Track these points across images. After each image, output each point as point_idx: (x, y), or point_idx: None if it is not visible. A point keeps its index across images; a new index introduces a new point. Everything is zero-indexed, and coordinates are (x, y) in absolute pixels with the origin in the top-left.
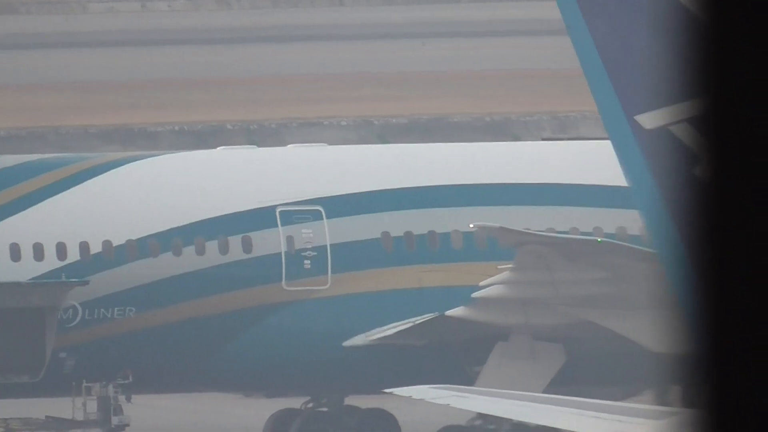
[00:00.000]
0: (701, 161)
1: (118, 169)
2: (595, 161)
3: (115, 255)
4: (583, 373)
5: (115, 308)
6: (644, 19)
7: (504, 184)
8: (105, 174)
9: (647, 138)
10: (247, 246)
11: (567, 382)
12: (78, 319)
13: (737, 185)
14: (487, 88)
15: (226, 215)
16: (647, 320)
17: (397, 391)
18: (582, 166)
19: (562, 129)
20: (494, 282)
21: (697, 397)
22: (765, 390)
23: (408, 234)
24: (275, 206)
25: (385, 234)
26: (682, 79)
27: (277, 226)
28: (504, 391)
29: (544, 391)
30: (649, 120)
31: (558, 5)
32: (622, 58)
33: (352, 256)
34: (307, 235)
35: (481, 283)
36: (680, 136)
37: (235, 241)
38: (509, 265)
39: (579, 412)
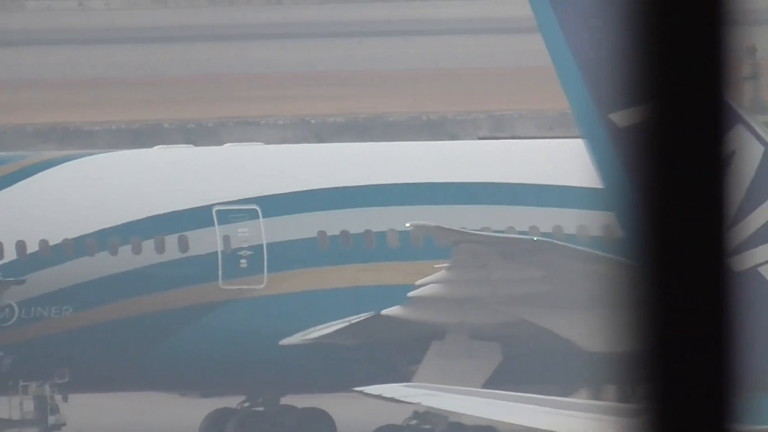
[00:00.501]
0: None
1: (55, 168)
2: (531, 160)
3: (51, 254)
4: (520, 371)
5: (52, 307)
6: (616, 15)
7: (441, 183)
8: (42, 173)
9: (621, 136)
10: (183, 245)
11: (503, 381)
12: (14, 318)
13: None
14: (423, 87)
15: (162, 214)
16: (583, 319)
17: (367, 389)
18: (518, 165)
19: (498, 128)
20: (430, 281)
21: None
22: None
23: (344, 233)
24: (212, 205)
25: (322, 233)
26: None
27: (213, 225)
28: (474, 389)
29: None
30: (623, 118)
31: (530, 2)
32: (594, 55)
33: (289, 255)
34: (243, 234)
35: (417, 282)
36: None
37: (171, 240)
38: (445, 264)
39: (549, 410)
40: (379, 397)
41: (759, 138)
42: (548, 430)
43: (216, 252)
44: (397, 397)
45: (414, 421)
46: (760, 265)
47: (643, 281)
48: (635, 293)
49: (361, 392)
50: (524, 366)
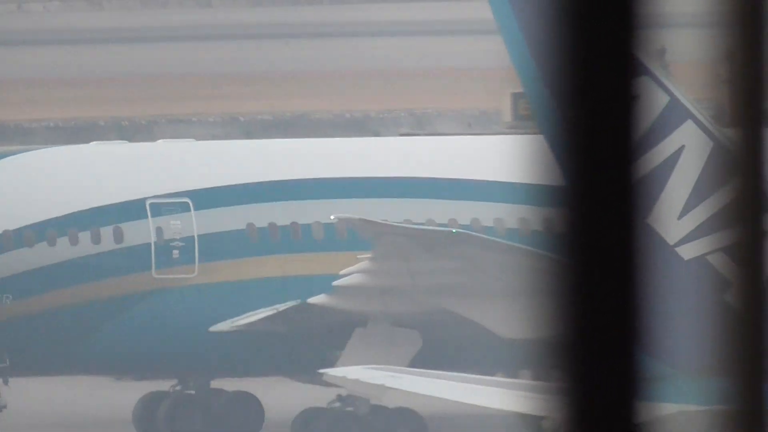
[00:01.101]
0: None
1: None
2: (450, 156)
3: None
4: (439, 357)
5: None
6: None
7: (364, 177)
8: None
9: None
10: (118, 236)
11: (423, 366)
12: None
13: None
14: (347, 87)
15: (98, 207)
16: (500, 307)
17: (330, 371)
18: (438, 160)
19: (419, 125)
20: (354, 271)
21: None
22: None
23: (272, 225)
24: (145, 198)
25: (250, 225)
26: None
27: (147, 217)
28: (430, 371)
29: None
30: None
31: (490, 3)
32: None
33: (219, 246)
34: (175, 226)
35: (341, 272)
36: None
37: (106, 232)
38: (368, 255)
39: (500, 390)
40: (342, 379)
41: (708, 133)
42: (494, 407)
43: (149, 243)
44: (361, 379)
45: (337, 404)
46: (708, 254)
47: (563, 273)
48: (554, 284)
49: (324, 374)
50: (444, 352)
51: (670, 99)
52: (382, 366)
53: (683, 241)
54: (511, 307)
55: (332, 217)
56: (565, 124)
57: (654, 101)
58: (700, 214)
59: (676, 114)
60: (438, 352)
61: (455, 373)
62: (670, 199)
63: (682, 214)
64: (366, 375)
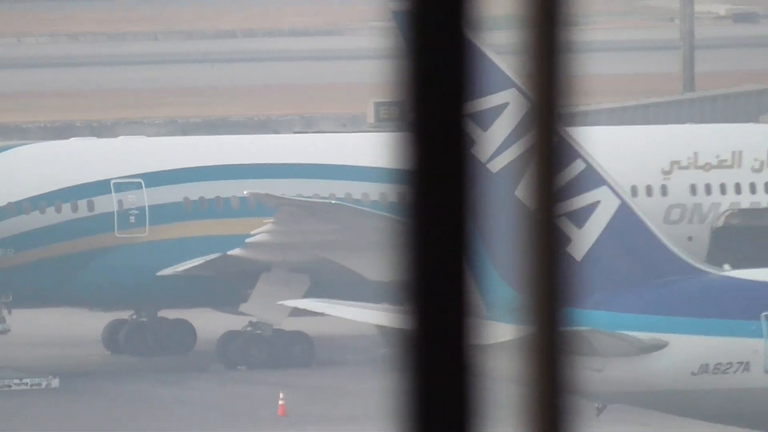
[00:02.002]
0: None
1: (3, 153)
2: (330, 148)
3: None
4: (322, 293)
5: (0, 249)
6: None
7: (268, 163)
8: None
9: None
10: (90, 207)
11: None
12: None
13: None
14: (256, 98)
15: (76, 185)
16: (367, 257)
17: (287, 302)
18: (321, 151)
19: (308, 125)
20: (261, 231)
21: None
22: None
23: (201, 198)
24: (110, 179)
25: (186, 198)
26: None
27: (111, 193)
28: (354, 302)
29: (293, 309)
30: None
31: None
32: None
33: (163, 213)
34: (131, 199)
35: (252, 233)
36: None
37: (82, 204)
38: (271, 220)
39: (376, 313)
40: (296, 307)
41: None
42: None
43: (113, 212)
44: (308, 308)
45: (249, 328)
46: (566, 214)
47: (409, 232)
48: (403, 240)
49: (282, 304)
50: (325, 290)
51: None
52: (320, 299)
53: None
54: (374, 257)
55: (245, 192)
56: (409, 127)
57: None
58: (510, 154)
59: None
60: (321, 290)
61: (355, 302)
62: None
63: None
64: (313, 305)
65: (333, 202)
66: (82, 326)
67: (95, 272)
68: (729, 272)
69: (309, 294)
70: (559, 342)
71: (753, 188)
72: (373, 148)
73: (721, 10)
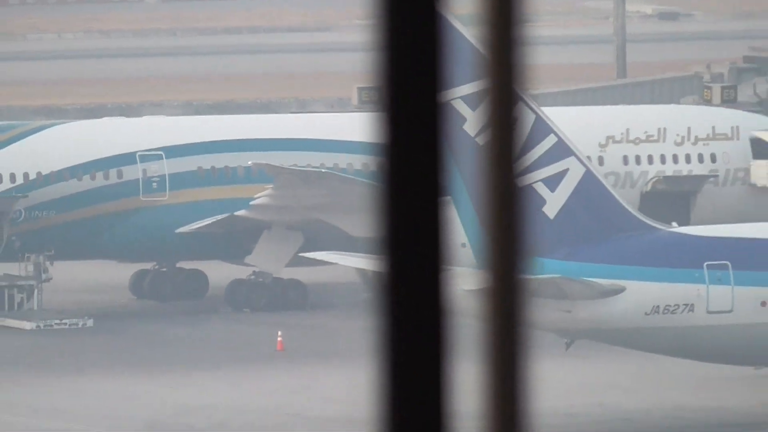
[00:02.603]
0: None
1: (44, 131)
2: (321, 125)
3: (43, 180)
4: (314, 248)
5: (44, 211)
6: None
7: (269, 138)
8: (36, 134)
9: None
10: (120, 175)
11: (305, 252)
12: (22, 217)
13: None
14: (259, 84)
15: (108, 157)
16: (352, 217)
17: (308, 254)
18: (312, 127)
19: (302, 107)
20: (263, 195)
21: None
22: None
23: (213, 168)
24: (136, 152)
25: (200, 167)
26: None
27: (137, 163)
28: (357, 254)
29: (290, 260)
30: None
31: None
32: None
33: (180, 180)
34: (154, 168)
35: (255, 196)
36: (458, 108)
37: (113, 172)
38: (271, 186)
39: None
40: (314, 259)
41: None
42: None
43: (138, 179)
44: (325, 259)
45: (253, 277)
46: (535, 182)
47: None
48: (381, 202)
49: (303, 256)
50: (318, 245)
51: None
52: (334, 252)
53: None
54: (357, 217)
55: (249, 163)
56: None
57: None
58: None
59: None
60: (313, 245)
61: (359, 254)
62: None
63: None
64: (329, 257)
65: (323, 170)
66: (112, 275)
67: (123, 230)
68: (676, 229)
69: (302, 248)
70: (518, 287)
71: (675, 159)
72: (357, 126)
73: (648, 9)
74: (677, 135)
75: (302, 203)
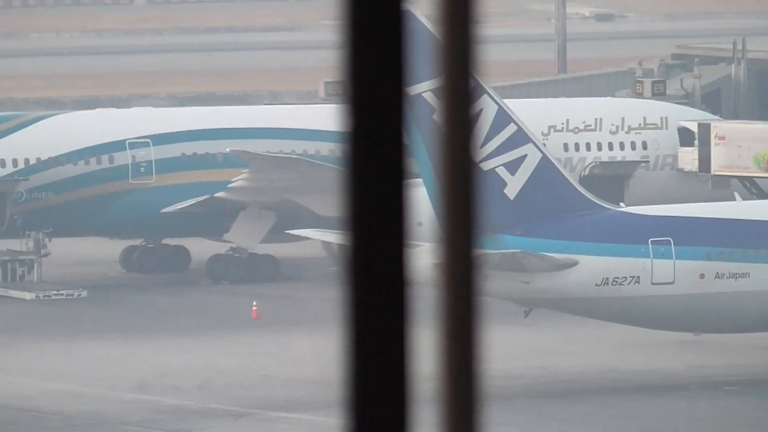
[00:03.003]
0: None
1: (43, 120)
2: (291, 115)
3: (42, 165)
4: (285, 228)
5: (43, 192)
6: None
7: (245, 127)
8: (36, 123)
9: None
10: (111, 160)
11: (275, 232)
12: (23, 198)
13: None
14: (236, 79)
15: (100, 144)
16: (319, 198)
17: (293, 232)
18: (283, 117)
19: (274, 99)
20: (239, 179)
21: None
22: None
23: (195, 154)
24: (125, 140)
25: (183, 154)
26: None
27: (126, 150)
28: (330, 230)
29: (264, 237)
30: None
31: None
32: None
33: (166, 165)
34: (142, 154)
35: (233, 179)
36: (428, 99)
37: (105, 158)
38: (247, 171)
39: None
40: (299, 235)
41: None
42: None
43: (128, 164)
44: (309, 236)
45: (230, 252)
46: (497, 166)
47: (350, 180)
48: (346, 185)
49: (289, 234)
50: (285, 225)
51: None
52: (316, 229)
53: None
54: (324, 198)
55: (228, 150)
56: (348, 101)
57: None
58: None
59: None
60: (285, 223)
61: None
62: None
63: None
64: (311, 233)
65: (294, 156)
66: (104, 251)
67: (114, 210)
68: (624, 208)
69: (275, 226)
70: (471, 261)
71: (611, 146)
72: (323, 117)
73: (586, 11)
74: (612, 125)
75: (275, 186)
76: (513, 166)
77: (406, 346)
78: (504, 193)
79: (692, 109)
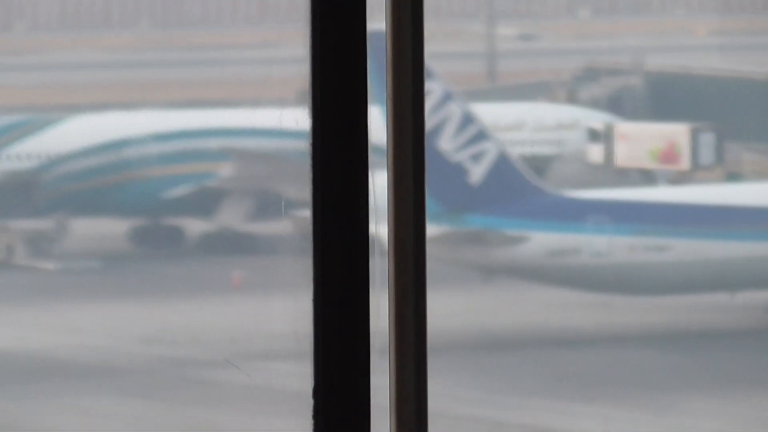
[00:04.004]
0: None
1: (63, 122)
2: (274, 118)
3: (62, 158)
4: (262, 210)
5: (63, 181)
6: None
7: (235, 127)
8: (57, 124)
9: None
10: (120, 155)
11: (256, 214)
12: (47, 186)
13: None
14: (218, 88)
15: (112, 141)
16: (292, 186)
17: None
18: (269, 119)
19: (255, 105)
20: (226, 170)
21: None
22: None
23: (189, 149)
24: (132, 137)
25: (179, 149)
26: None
27: (133, 145)
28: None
29: (245, 218)
30: None
31: None
32: None
33: (165, 159)
34: (147, 149)
35: (221, 171)
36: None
37: (115, 153)
38: (233, 163)
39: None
40: (275, 216)
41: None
42: None
43: (134, 157)
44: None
45: (218, 230)
46: (464, 159)
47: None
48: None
49: (267, 215)
50: (266, 207)
51: None
52: (293, 210)
53: None
54: (296, 186)
55: (217, 146)
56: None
57: None
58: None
59: None
60: (263, 206)
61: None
62: None
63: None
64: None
65: (271, 152)
66: (113, 229)
67: (123, 196)
68: (568, 192)
69: (255, 209)
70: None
71: (531, 144)
72: (295, 119)
73: (511, 32)
74: (532, 126)
75: (254, 175)
76: (477, 159)
77: (364, 307)
78: (469, 181)
79: (599, 113)
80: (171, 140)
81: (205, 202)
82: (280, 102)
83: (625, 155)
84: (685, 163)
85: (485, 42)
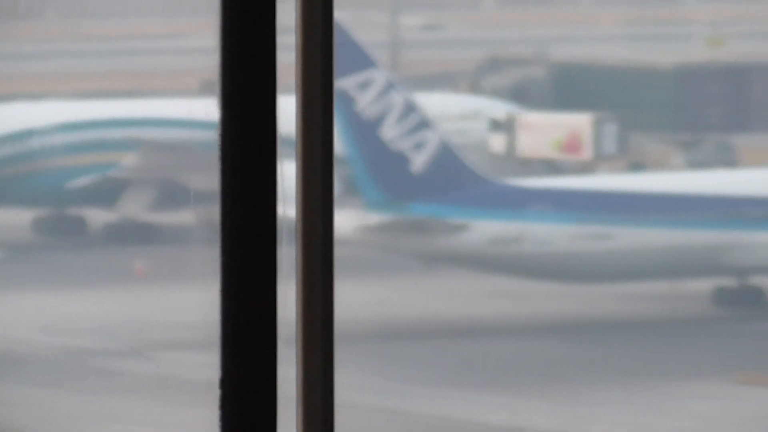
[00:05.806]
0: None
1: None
2: (180, 109)
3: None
4: (164, 200)
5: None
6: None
7: (140, 117)
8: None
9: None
10: (26, 144)
11: (158, 204)
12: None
13: None
14: (128, 77)
15: (19, 131)
16: (196, 177)
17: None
18: (174, 110)
19: (162, 95)
20: (130, 160)
21: None
22: None
23: (93, 139)
24: (39, 127)
25: (83, 139)
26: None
27: (39, 136)
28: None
29: (148, 208)
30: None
31: None
32: None
33: (70, 149)
34: (51, 139)
35: (124, 161)
36: (351, 93)
37: (20, 143)
38: (137, 153)
39: None
40: (177, 206)
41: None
42: None
43: (40, 147)
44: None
45: (121, 220)
46: (406, 148)
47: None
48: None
49: (169, 205)
50: (169, 197)
51: None
52: (196, 202)
53: None
54: (200, 176)
55: (121, 136)
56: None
57: None
58: (377, 108)
59: None
60: (166, 197)
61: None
62: None
63: None
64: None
65: (175, 142)
66: (18, 219)
67: (28, 186)
68: (509, 181)
69: (157, 199)
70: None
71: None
72: (202, 109)
73: (416, 21)
74: (436, 115)
75: (159, 166)
76: (420, 149)
77: (272, 295)
78: (410, 170)
79: (502, 103)
80: (77, 131)
81: (109, 192)
82: (186, 93)
83: (527, 145)
84: (587, 153)
85: (389, 32)
